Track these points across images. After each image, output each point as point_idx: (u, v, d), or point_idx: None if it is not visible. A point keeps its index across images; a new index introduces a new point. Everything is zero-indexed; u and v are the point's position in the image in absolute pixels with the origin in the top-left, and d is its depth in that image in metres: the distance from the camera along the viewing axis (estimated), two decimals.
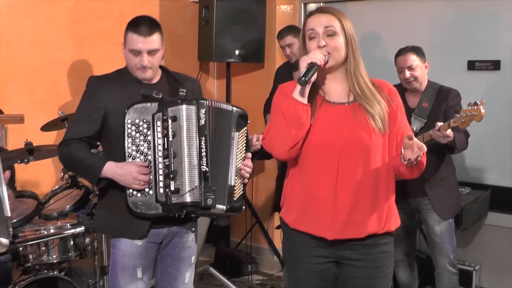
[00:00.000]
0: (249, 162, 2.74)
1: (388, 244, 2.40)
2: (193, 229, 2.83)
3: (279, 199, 3.47)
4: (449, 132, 3.18)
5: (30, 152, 3.47)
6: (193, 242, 2.85)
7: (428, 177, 3.50)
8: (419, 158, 2.18)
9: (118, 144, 2.62)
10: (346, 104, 2.35)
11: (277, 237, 5.20)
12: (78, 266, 3.90)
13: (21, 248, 3.38)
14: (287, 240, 2.50)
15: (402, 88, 3.57)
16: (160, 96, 2.62)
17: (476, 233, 4.41)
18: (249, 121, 2.80)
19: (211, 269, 4.57)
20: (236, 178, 2.69)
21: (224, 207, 2.62)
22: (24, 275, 3.43)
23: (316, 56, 2.25)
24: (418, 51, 3.56)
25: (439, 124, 3.18)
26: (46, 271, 3.42)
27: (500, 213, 4.32)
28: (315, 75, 2.26)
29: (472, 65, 4.44)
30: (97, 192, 3.00)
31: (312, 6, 5.30)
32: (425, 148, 2.19)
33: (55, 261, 3.44)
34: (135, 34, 2.65)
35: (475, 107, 3.08)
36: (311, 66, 2.25)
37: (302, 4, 5.32)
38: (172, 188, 2.52)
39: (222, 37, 4.94)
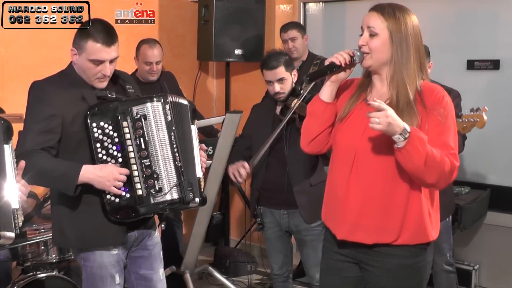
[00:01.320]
0: (203, 152, 2.77)
1: (413, 258, 2.27)
2: (157, 224, 2.81)
3: None
4: None
5: None
6: (158, 238, 2.85)
7: None
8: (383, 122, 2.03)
9: (82, 150, 2.52)
10: None
11: None
12: (77, 266, 3.89)
13: (20, 248, 3.38)
14: (325, 233, 2.52)
15: None
16: (114, 96, 2.58)
17: (476, 233, 4.41)
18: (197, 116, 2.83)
19: (210, 268, 4.56)
20: (200, 170, 2.71)
21: (198, 200, 2.62)
22: (24, 275, 3.43)
23: (338, 56, 2.25)
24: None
25: None
26: (45, 271, 3.41)
27: (500, 212, 4.32)
28: (338, 74, 2.28)
29: (471, 65, 4.43)
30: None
31: (311, 6, 5.31)
32: (382, 110, 2.03)
33: (54, 260, 3.45)
34: (98, 44, 2.50)
35: (477, 112, 3.05)
36: (329, 65, 2.27)
37: (302, 3, 5.31)
38: (157, 188, 2.49)
39: (221, 37, 4.93)
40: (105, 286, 2.63)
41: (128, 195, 2.51)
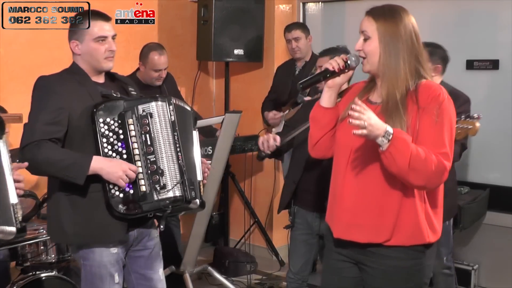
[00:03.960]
0: (206, 162, 2.82)
1: (409, 260, 2.26)
2: (162, 227, 2.77)
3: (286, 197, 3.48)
4: None
5: None
6: (158, 237, 2.87)
7: None
8: (363, 125, 2.02)
9: (86, 145, 2.55)
10: (377, 104, 2.28)
11: (276, 237, 5.21)
12: (76, 266, 3.89)
13: (20, 248, 3.38)
14: (326, 232, 2.53)
15: None
16: (119, 95, 2.64)
17: (475, 233, 4.42)
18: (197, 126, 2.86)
19: (210, 268, 4.56)
20: (201, 174, 2.74)
21: (199, 201, 2.66)
22: (23, 275, 3.43)
23: (332, 62, 2.30)
24: (432, 52, 3.54)
25: None
26: (44, 271, 3.41)
27: (499, 212, 4.33)
28: (334, 79, 2.33)
29: (470, 65, 4.44)
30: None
31: (311, 6, 5.31)
32: (364, 117, 2.01)
33: (53, 260, 3.44)
34: (98, 21, 2.64)
35: (471, 120, 3.06)
36: (323, 71, 2.32)
37: (301, 3, 5.32)
38: (162, 183, 2.52)
39: (220, 37, 4.94)
40: (104, 285, 2.63)
41: (132, 191, 2.54)
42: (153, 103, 2.58)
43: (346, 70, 2.32)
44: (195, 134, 2.78)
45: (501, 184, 4.36)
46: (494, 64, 4.34)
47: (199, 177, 2.71)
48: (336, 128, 2.41)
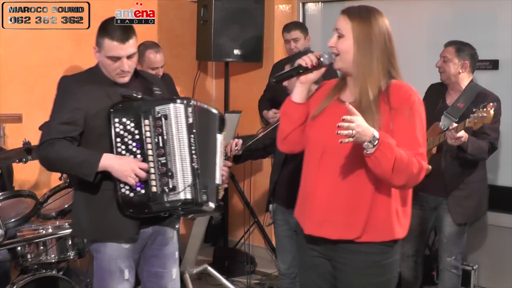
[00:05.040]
0: (227, 169, 2.82)
1: (379, 254, 2.31)
2: (177, 226, 2.85)
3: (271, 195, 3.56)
4: (460, 134, 3.21)
5: (28, 151, 3.46)
6: (175, 238, 2.87)
7: (450, 179, 3.55)
8: (350, 133, 2.04)
9: (102, 145, 2.58)
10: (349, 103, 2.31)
11: None
12: (76, 266, 3.90)
13: (19, 248, 3.38)
14: (297, 229, 2.55)
15: (445, 85, 3.69)
16: (140, 96, 2.64)
17: (475, 233, 4.41)
18: (225, 129, 2.87)
19: (210, 268, 4.56)
20: (221, 177, 2.75)
21: (213, 205, 2.66)
22: (23, 275, 3.43)
23: (305, 58, 2.33)
24: (459, 49, 3.61)
25: (454, 124, 3.23)
26: (44, 271, 3.41)
27: (499, 212, 4.32)
28: (307, 75, 2.36)
29: None
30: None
31: (310, 6, 5.31)
32: (353, 126, 2.03)
33: (53, 260, 3.44)
34: (114, 42, 2.61)
35: (485, 109, 3.22)
36: (296, 67, 2.35)
37: (301, 3, 5.32)
38: (170, 186, 2.53)
39: (220, 37, 4.94)
40: (113, 279, 2.66)
41: (143, 191, 2.56)
42: (171, 105, 2.58)
43: (318, 67, 2.36)
44: (219, 137, 2.76)
45: (501, 184, 4.36)
46: (494, 64, 4.34)
47: (218, 180, 2.71)
48: (307, 125, 2.44)
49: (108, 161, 2.52)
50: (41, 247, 3.41)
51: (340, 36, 2.28)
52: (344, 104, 2.23)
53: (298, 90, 2.41)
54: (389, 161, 2.11)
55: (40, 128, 2.82)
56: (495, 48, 4.35)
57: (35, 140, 3.59)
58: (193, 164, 2.56)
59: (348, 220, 2.27)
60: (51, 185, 4.02)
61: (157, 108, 2.57)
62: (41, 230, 3.40)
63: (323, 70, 2.38)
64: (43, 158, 2.62)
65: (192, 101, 2.64)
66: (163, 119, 2.55)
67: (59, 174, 3.70)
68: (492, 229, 4.36)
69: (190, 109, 2.61)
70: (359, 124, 2.05)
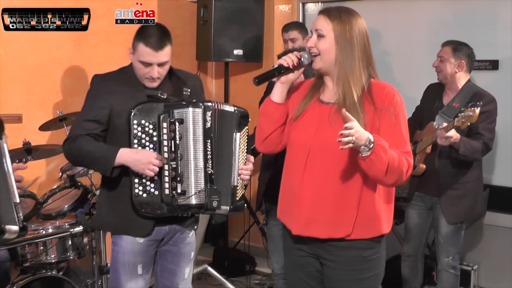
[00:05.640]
0: (250, 165, 2.78)
1: (367, 250, 2.34)
2: (195, 227, 2.89)
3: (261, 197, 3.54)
4: (450, 133, 3.21)
5: (28, 151, 3.47)
6: (193, 238, 2.90)
7: (444, 179, 3.55)
8: (350, 140, 2.07)
9: (123, 142, 2.63)
10: (331, 104, 2.35)
11: None
12: (76, 266, 3.90)
13: (19, 248, 3.38)
14: (283, 230, 2.55)
15: (443, 85, 3.70)
16: (165, 97, 2.65)
17: (475, 233, 4.42)
18: (250, 119, 2.81)
19: (210, 268, 4.56)
20: (238, 177, 2.73)
21: (228, 208, 2.68)
22: (23, 275, 3.43)
23: (286, 58, 2.35)
24: (456, 48, 3.61)
25: (445, 124, 3.23)
26: (44, 271, 3.42)
27: (499, 212, 4.33)
28: (287, 75, 2.37)
29: None
30: (97, 191, 3.02)
31: (310, 6, 5.31)
32: (353, 132, 2.06)
33: (53, 260, 3.45)
34: (147, 48, 2.62)
35: (472, 108, 3.21)
36: (277, 67, 2.36)
37: (300, 3, 5.32)
38: (179, 190, 2.56)
39: (220, 37, 4.94)
40: (126, 272, 2.72)
41: (156, 192, 2.60)
42: (190, 109, 2.58)
43: (298, 67, 2.38)
44: (237, 136, 2.73)
45: (501, 184, 4.36)
46: (493, 65, 4.34)
47: (235, 182, 2.71)
48: (288, 126, 2.45)
49: (124, 157, 2.57)
50: (41, 247, 3.41)
51: (320, 36, 2.31)
52: (326, 105, 2.32)
53: (279, 90, 2.43)
54: (383, 163, 2.16)
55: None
56: (495, 48, 4.35)
57: (35, 140, 3.61)
58: (206, 170, 2.58)
59: (336, 219, 2.30)
60: (51, 185, 4.02)
61: (176, 111, 2.58)
62: (41, 230, 3.40)
63: (302, 70, 2.41)
64: (67, 153, 2.72)
65: (212, 104, 2.64)
66: (177, 123, 2.56)
67: (58, 175, 3.70)
68: (492, 229, 4.36)
69: (209, 113, 2.61)
70: (357, 130, 2.09)
